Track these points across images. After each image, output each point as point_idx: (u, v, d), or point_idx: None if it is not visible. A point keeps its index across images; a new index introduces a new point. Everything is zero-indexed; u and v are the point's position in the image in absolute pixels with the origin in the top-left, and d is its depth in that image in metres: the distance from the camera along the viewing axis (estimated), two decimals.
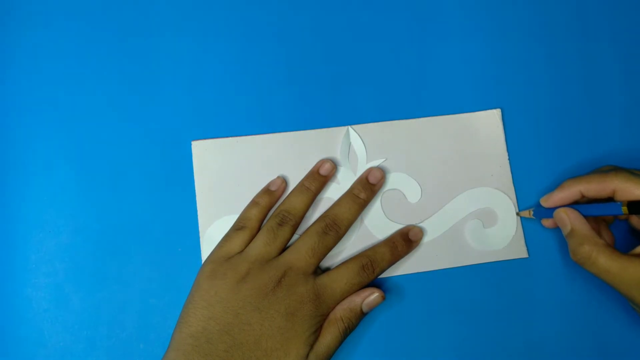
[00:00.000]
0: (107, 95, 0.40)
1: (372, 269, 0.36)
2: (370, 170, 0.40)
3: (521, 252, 0.40)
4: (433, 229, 0.40)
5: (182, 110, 0.41)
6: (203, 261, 0.37)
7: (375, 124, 0.41)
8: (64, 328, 0.38)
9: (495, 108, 0.41)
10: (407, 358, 0.38)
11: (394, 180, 0.40)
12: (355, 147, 0.40)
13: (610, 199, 0.35)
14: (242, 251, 0.36)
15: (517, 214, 0.40)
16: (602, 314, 0.39)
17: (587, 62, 0.43)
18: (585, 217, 0.35)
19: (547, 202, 0.37)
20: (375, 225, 0.39)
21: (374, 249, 0.37)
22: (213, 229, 0.39)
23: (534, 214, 0.39)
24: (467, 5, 0.43)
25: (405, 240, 0.38)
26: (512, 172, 0.41)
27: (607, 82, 0.42)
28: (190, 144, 0.40)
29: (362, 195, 0.38)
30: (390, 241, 0.38)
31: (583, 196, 0.36)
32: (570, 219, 0.35)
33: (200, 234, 0.39)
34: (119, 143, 0.40)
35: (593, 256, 0.33)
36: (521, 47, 0.43)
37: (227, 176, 0.40)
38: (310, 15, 0.42)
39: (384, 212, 0.40)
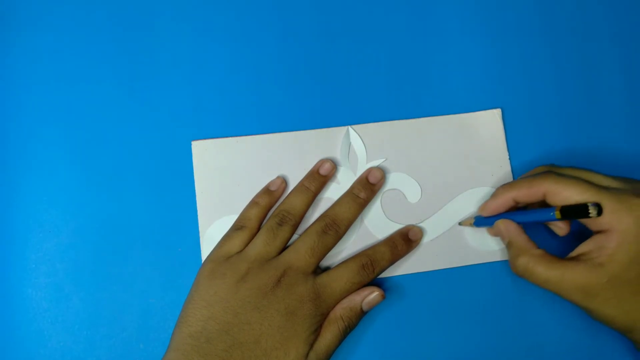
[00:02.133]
0: (107, 95, 0.40)
1: (372, 268, 0.36)
2: (370, 170, 0.40)
3: None
4: (433, 229, 0.40)
5: (182, 110, 0.41)
6: (203, 261, 0.37)
7: (375, 124, 0.41)
8: (64, 328, 0.38)
9: (495, 108, 0.41)
10: (407, 358, 0.38)
11: (394, 180, 0.40)
12: (355, 147, 0.40)
13: (544, 203, 0.34)
14: (241, 251, 0.36)
15: (460, 223, 0.39)
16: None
17: (588, 62, 0.43)
18: (524, 224, 0.35)
19: (483, 211, 0.37)
20: (375, 225, 0.39)
21: (374, 248, 0.37)
22: (213, 229, 0.39)
23: (475, 223, 0.38)
24: (467, 5, 0.43)
25: (405, 240, 0.38)
26: (512, 172, 0.41)
27: (607, 82, 0.42)
28: (190, 144, 0.40)
29: (362, 195, 0.38)
30: (390, 241, 0.38)
31: (517, 202, 0.35)
32: (507, 231, 0.35)
33: (200, 234, 0.39)
34: (119, 143, 0.40)
35: (530, 267, 0.33)
36: (521, 47, 0.43)
37: (227, 176, 0.40)
38: (310, 15, 0.42)
39: (384, 212, 0.40)
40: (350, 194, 0.39)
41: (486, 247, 0.39)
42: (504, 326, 0.39)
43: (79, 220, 0.39)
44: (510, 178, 0.40)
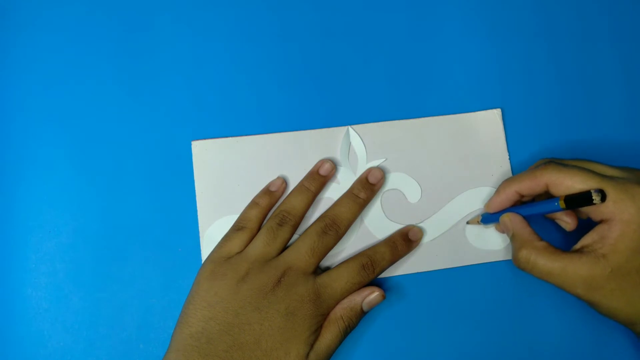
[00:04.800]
0: (107, 95, 0.40)
1: (372, 268, 0.36)
2: (370, 170, 0.40)
3: None
4: (433, 229, 0.40)
5: (182, 110, 0.41)
6: (203, 261, 0.37)
7: (375, 124, 0.41)
8: (64, 328, 0.38)
9: (495, 108, 0.41)
10: (407, 358, 0.38)
11: (394, 180, 0.40)
12: (355, 147, 0.40)
13: (549, 194, 0.34)
14: (242, 251, 0.36)
15: (467, 222, 0.39)
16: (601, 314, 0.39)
17: (587, 62, 0.43)
18: (530, 217, 0.35)
19: (489, 207, 0.37)
20: (375, 225, 0.39)
21: (374, 248, 0.37)
22: (213, 229, 0.39)
23: (482, 220, 0.38)
24: (467, 5, 0.43)
25: (405, 240, 0.38)
26: (512, 172, 0.41)
27: (607, 81, 0.43)
28: (190, 144, 0.40)
29: (362, 195, 0.38)
30: (390, 241, 0.38)
31: (522, 196, 0.35)
32: (511, 224, 0.35)
33: (200, 234, 0.39)
34: (119, 143, 0.40)
35: (532, 260, 0.33)
36: (521, 47, 0.43)
37: (227, 176, 0.40)
38: (310, 15, 0.42)
39: (384, 212, 0.40)
40: (350, 194, 0.39)
41: (486, 247, 0.39)
42: (504, 326, 0.39)
43: (79, 220, 0.39)
44: None
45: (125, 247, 0.39)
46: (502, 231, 0.38)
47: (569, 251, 0.32)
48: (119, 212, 0.39)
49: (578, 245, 0.33)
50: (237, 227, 0.37)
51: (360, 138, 0.40)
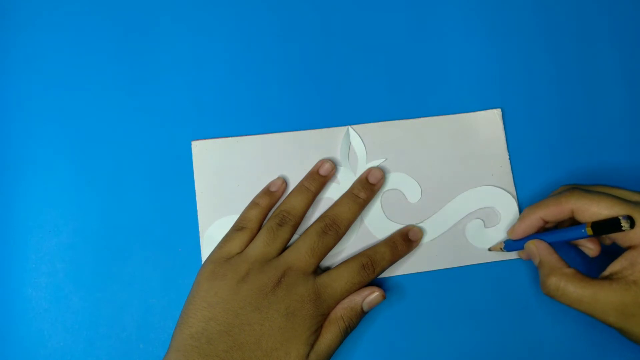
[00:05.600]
0: (107, 95, 0.40)
1: (372, 268, 0.36)
2: (370, 170, 0.40)
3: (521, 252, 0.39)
4: (433, 229, 0.40)
5: (182, 110, 0.41)
6: (203, 261, 0.37)
7: (375, 124, 0.41)
8: (64, 328, 0.38)
9: (495, 108, 0.41)
10: (407, 358, 0.38)
11: (394, 180, 0.40)
12: (355, 147, 0.40)
13: (573, 220, 0.34)
14: (242, 252, 0.36)
15: (489, 249, 0.39)
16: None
17: (588, 62, 0.43)
18: (555, 244, 0.35)
19: (512, 234, 0.37)
20: (375, 225, 0.39)
21: (374, 248, 0.37)
22: (213, 229, 0.39)
23: (504, 247, 0.38)
24: (468, 5, 0.43)
25: (405, 240, 0.38)
26: (512, 172, 0.41)
27: (607, 81, 0.42)
28: (190, 144, 0.40)
29: (362, 195, 0.38)
30: (390, 241, 0.38)
31: (546, 222, 0.35)
32: (538, 251, 0.35)
33: (200, 234, 0.39)
34: (119, 143, 0.40)
35: (561, 287, 0.32)
36: (521, 47, 0.43)
37: (227, 176, 0.40)
38: (310, 15, 0.42)
39: (384, 212, 0.40)
40: (350, 194, 0.39)
41: (486, 247, 0.39)
42: (504, 326, 0.39)
43: (79, 220, 0.39)
44: (510, 178, 0.40)
45: (125, 247, 0.39)
46: (526, 258, 0.37)
47: (598, 278, 0.32)
48: (119, 212, 0.39)
49: (607, 272, 0.32)
50: (237, 228, 0.37)
51: (360, 138, 0.40)
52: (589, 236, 0.32)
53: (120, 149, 0.40)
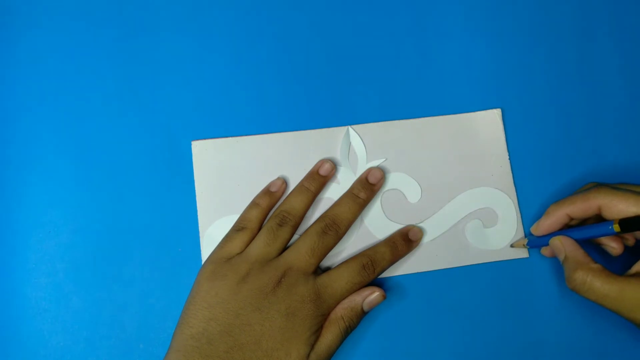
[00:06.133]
0: (107, 95, 0.40)
1: (372, 268, 0.36)
2: (370, 170, 0.40)
3: (521, 252, 0.39)
4: (433, 229, 0.40)
5: (182, 110, 0.41)
6: (203, 261, 0.37)
7: (375, 124, 0.41)
8: (64, 328, 0.37)
9: (495, 108, 0.41)
10: (407, 358, 0.38)
11: (394, 180, 0.40)
12: (355, 147, 0.40)
13: (599, 217, 0.34)
14: (242, 252, 0.36)
15: (511, 245, 0.39)
16: (602, 314, 0.39)
17: (587, 62, 0.43)
18: (579, 241, 0.34)
19: (536, 230, 0.37)
20: (375, 225, 0.39)
21: (374, 248, 0.37)
22: (213, 229, 0.39)
23: (528, 243, 0.38)
24: (468, 5, 0.43)
25: (405, 240, 0.38)
26: (512, 172, 0.41)
27: (607, 81, 0.43)
28: (190, 144, 0.40)
29: (362, 195, 0.38)
30: (390, 241, 0.38)
31: (571, 219, 0.35)
32: (564, 246, 0.34)
33: (200, 234, 0.39)
34: (119, 143, 0.40)
35: (588, 282, 0.32)
36: (521, 47, 0.43)
37: (227, 176, 0.40)
38: (311, 15, 0.42)
39: (384, 212, 0.40)
40: (350, 194, 0.39)
41: (486, 247, 0.39)
42: (504, 326, 0.39)
43: (79, 220, 0.39)
44: (510, 178, 0.40)
45: (125, 247, 0.39)
46: (549, 255, 0.37)
47: (625, 274, 0.32)
48: (119, 212, 0.39)
49: (633, 270, 0.32)
50: (237, 228, 0.37)
51: (360, 138, 0.40)
52: (616, 233, 0.32)
53: (120, 149, 0.40)
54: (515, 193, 0.40)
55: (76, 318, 0.38)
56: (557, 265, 0.40)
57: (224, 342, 0.32)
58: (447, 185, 0.40)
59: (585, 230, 0.34)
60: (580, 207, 0.34)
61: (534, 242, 0.38)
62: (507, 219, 0.40)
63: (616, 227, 0.32)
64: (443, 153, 0.41)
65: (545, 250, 0.38)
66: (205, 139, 0.40)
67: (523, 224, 0.40)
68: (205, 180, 0.39)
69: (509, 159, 0.41)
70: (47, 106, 0.40)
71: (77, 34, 0.41)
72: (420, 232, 0.39)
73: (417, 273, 0.39)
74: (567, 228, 0.36)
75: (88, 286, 0.38)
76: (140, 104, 0.40)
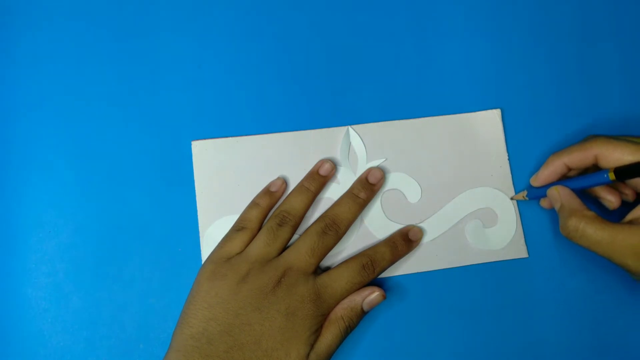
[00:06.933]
0: (107, 95, 0.40)
1: (372, 268, 0.36)
2: (370, 170, 0.40)
3: (521, 252, 0.40)
4: (433, 229, 0.40)
5: (182, 110, 0.41)
6: (203, 261, 0.37)
7: (375, 124, 0.41)
8: (64, 328, 0.37)
9: (495, 108, 0.42)
10: (407, 358, 0.38)
11: (394, 180, 0.40)
12: (355, 147, 0.40)
13: (597, 168, 0.35)
14: (242, 252, 0.36)
15: (512, 198, 0.40)
16: (602, 314, 0.39)
17: (588, 62, 0.43)
18: (578, 190, 0.35)
19: (536, 181, 0.37)
20: (375, 225, 0.40)
21: (374, 248, 0.37)
22: (213, 229, 0.39)
23: (527, 195, 0.39)
24: (468, 6, 0.43)
25: (405, 240, 0.38)
26: (512, 172, 0.41)
27: (607, 82, 0.43)
28: (190, 144, 0.40)
29: (362, 195, 0.38)
30: (390, 241, 0.38)
31: (569, 169, 0.36)
32: (560, 195, 0.35)
33: (200, 234, 0.39)
34: (119, 143, 0.40)
35: (581, 228, 0.33)
36: (521, 47, 0.43)
37: (227, 176, 0.40)
38: (311, 15, 0.42)
39: (384, 212, 0.40)
40: (350, 194, 0.39)
41: (486, 247, 0.40)
42: (504, 326, 0.39)
43: (79, 220, 0.39)
44: (509, 178, 0.40)
45: (125, 247, 0.39)
46: (548, 206, 0.38)
47: (619, 222, 0.33)
48: (118, 212, 0.39)
49: (628, 218, 0.33)
50: (237, 228, 0.37)
51: (360, 138, 0.41)
52: (612, 181, 0.32)
53: (120, 149, 0.40)
54: (514, 193, 0.40)
55: (76, 318, 0.38)
56: (557, 266, 0.40)
57: (223, 342, 0.32)
58: (447, 185, 0.40)
59: (582, 180, 0.35)
60: (577, 156, 0.35)
61: (534, 194, 0.38)
62: (507, 219, 0.40)
63: (611, 176, 0.32)
64: (443, 153, 0.41)
65: (544, 202, 0.38)
66: (205, 139, 0.40)
67: (523, 224, 0.40)
68: (205, 180, 0.39)
69: (509, 159, 0.41)
70: (47, 106, 0.40)
71: (77, 35, 0.41)
72: (420, 232, 0.39)
73: (417, 273, 0.39)
74: (565, 179, 0.37)
75: (88, 286, 0.38)
76: (140, 104, 0.40)
